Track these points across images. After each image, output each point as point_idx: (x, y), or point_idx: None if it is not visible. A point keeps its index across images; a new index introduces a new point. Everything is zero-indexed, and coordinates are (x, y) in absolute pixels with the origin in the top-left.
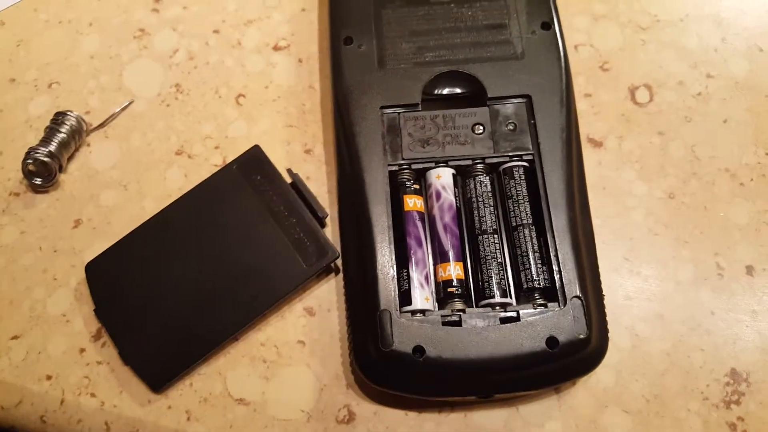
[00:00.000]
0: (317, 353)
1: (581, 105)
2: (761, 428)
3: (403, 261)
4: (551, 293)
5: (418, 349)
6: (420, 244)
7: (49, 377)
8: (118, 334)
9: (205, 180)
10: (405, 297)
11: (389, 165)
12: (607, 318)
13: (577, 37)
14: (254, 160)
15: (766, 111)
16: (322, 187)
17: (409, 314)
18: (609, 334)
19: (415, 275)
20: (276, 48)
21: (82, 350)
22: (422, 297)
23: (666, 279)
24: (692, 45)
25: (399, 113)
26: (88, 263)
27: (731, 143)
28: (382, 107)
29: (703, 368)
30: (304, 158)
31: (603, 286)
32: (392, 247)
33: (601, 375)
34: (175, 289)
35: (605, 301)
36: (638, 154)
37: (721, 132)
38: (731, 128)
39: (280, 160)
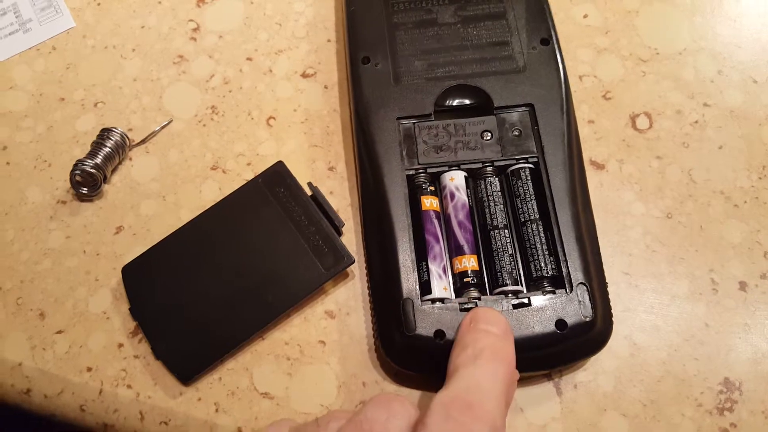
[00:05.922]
0: (336, 353)
1: (585, 130)
2: None
3: (422, 255)
4: (558, 281)
5: (439, 334)
6: (437, 240)
7: (89, 369)
8: (150, 331)
9: (233, 192)
10: (425, 287)
11: (407, 170)
12: None
13: (581, 68)
14: (278, 175)
15: (759, 138)
16: (343, 200)
17: (430, 302)
18: (610, 337)
19: (434, 267)
20: (304, 75)
21: (120, 345)
22: (441, 287)
23: (662, 293)
24: (690, 77)
25: (414, 123)
26: (124, 266)
27: (726, 168)
28: (399, 118)
29: (697, 376)
30: (328, 175)
31: None
32: (412, 243)
33: (601, 381)
34: (204, 291)
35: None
36: (638, 176)
37: (716, 157)
38: (726, 154)
39: (306, 176)
